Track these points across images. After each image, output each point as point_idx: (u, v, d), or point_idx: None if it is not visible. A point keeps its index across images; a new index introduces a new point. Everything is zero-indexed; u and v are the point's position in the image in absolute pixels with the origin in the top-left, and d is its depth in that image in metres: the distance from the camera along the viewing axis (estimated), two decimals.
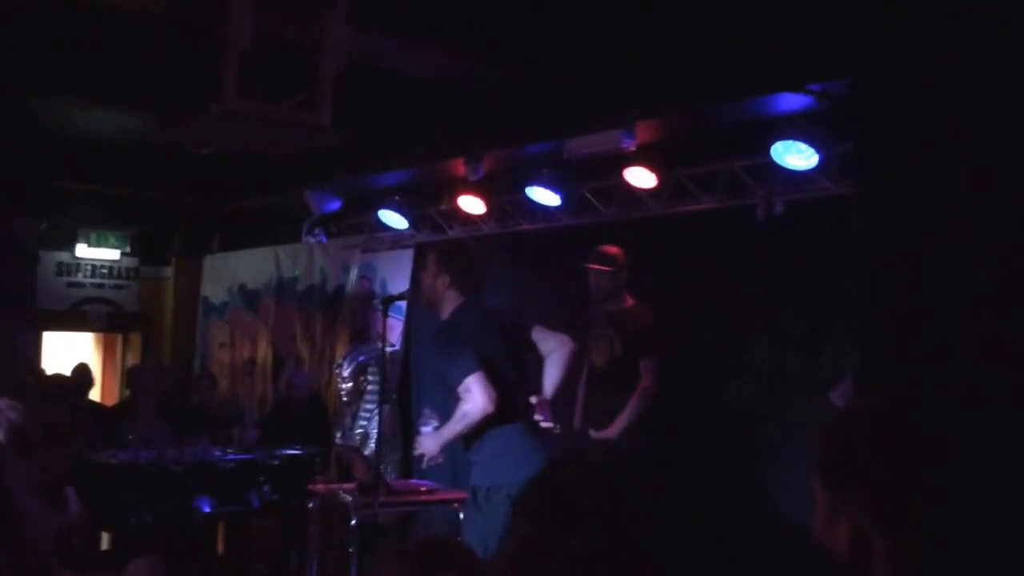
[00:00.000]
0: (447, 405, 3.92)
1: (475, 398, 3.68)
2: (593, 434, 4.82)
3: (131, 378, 7.53)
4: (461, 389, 3.72)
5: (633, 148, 4.85)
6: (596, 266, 4.89)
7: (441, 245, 4.70)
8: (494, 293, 6.09)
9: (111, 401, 7.93)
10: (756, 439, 4.71)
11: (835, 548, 0.98)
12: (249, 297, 8.22)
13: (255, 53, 2.69)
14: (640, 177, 5.06)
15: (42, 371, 7.48)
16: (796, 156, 4.40)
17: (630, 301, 4.95)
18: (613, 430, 4.75)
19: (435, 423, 4.00)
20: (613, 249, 4.95)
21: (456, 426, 3.77)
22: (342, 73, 2.90)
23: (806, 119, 4.22)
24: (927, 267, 3.54)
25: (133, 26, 3.17)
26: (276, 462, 6.05)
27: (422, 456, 3.95)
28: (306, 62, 2.84)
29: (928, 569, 0.93)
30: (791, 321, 4.63)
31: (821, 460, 0.98)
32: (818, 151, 4.29)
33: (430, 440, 3.92)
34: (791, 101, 4.12)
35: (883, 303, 3.70)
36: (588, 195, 5.50)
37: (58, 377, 6.87)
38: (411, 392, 6.57)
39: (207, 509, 5.77)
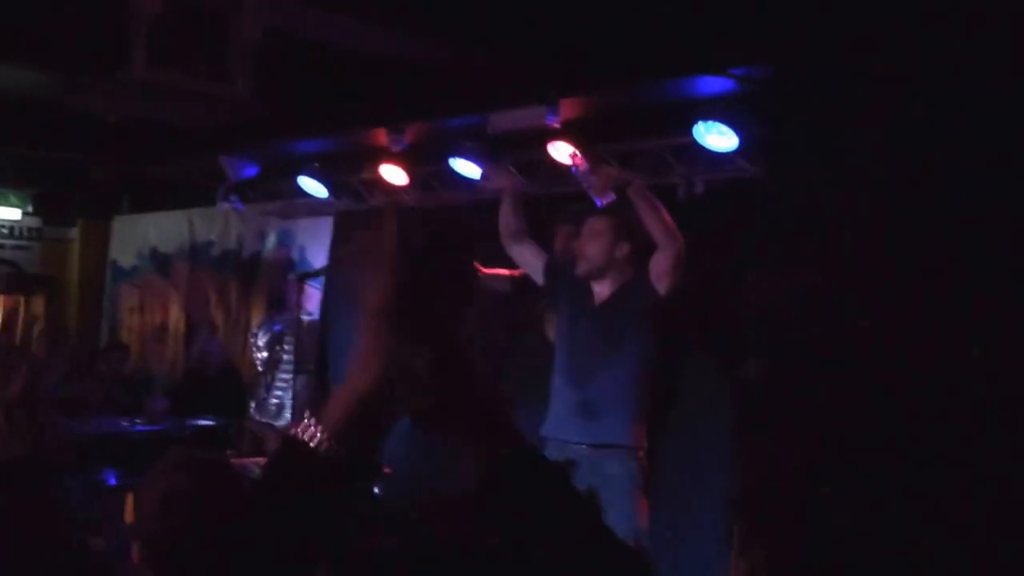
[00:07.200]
0: None
1: None
2: None
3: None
4: None
5: (557, 125, 4.83)
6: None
7: (612, 213, 4.22)
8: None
9: None
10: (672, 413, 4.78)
11: None
12: (161, 261, 8.00)
13: (165, 19, 2.56)
14: (563, 152, 5.04)
15: None
16: (717, 137, 4.45)
17: None
18: None
19: None
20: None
21: None
22: (259, 44, 2.79)
23: (728, 102, 4.26)
24: (831, 249, 3.63)
25: None
26: (187, 433, 5.91)
27: None
28: (220, 31, 2.72)
29: None
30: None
31: (736, 493, 0.98)
32: (738, 133, 4.35)
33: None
34: (714, 84, 4.16)
35: (788, 284, 3.79)
36: (512, 169, 5.46)
37: None
38: (328, 363, 6.48)
39: (113, 482, 5.61)
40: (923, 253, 3.45)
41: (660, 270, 3.92)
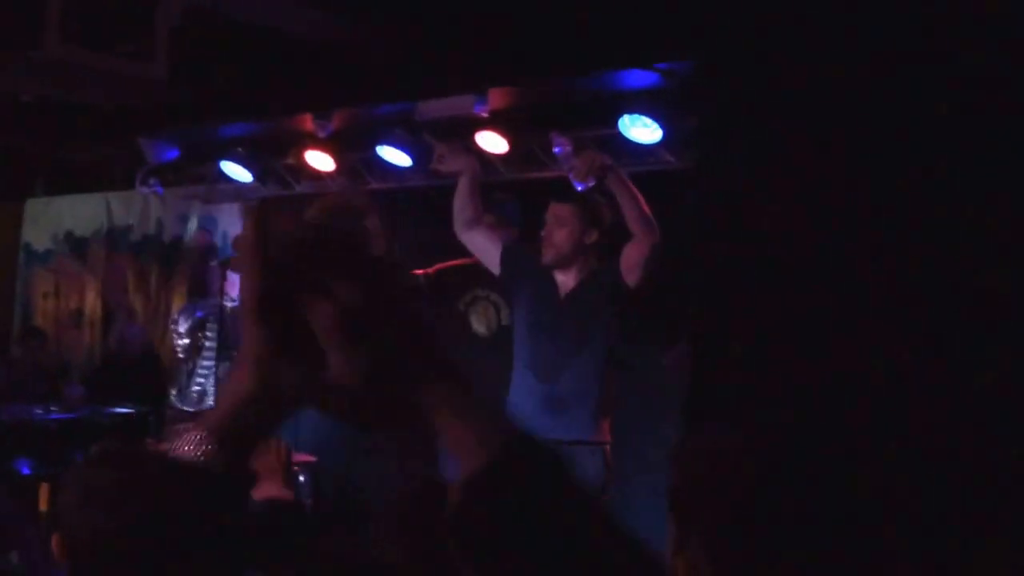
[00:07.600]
0: None
1: None
2: None
3: None
4: None
5: (486, 114, 4.85)
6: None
7: (576, 200, 4.03)
8: None
9: None
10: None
11: None
12: (77, 245, 7.78)
13: None
14: (492, 142, 5.06)
15: None
16: (642, 130, 4.53)
17: None
18: None
19: None
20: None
21: None
22: (180, 24, 2.73)
23: (652, 95, 4.34)
24: (757, 239, 3.72)
25: None
26: (105, 421, 5.77)
27: None
28: (140, 9, 2.65)
29: None
30: None
31: (669, 492, 1.00)
32: (662, 126, 4.43)
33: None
34: (639, 78, 4.23)
35: (715, 273, 3.85)
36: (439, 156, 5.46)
37: None
38: None
39: (26, 471, 5.45)
40: (849, 248, 3.55)
41: (633, 262, 3.78)
